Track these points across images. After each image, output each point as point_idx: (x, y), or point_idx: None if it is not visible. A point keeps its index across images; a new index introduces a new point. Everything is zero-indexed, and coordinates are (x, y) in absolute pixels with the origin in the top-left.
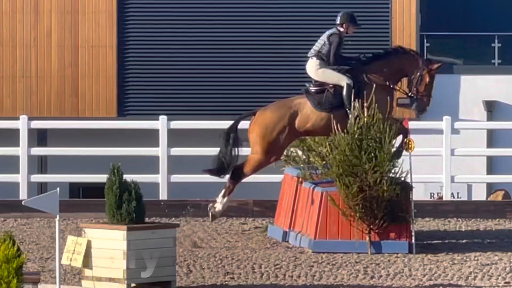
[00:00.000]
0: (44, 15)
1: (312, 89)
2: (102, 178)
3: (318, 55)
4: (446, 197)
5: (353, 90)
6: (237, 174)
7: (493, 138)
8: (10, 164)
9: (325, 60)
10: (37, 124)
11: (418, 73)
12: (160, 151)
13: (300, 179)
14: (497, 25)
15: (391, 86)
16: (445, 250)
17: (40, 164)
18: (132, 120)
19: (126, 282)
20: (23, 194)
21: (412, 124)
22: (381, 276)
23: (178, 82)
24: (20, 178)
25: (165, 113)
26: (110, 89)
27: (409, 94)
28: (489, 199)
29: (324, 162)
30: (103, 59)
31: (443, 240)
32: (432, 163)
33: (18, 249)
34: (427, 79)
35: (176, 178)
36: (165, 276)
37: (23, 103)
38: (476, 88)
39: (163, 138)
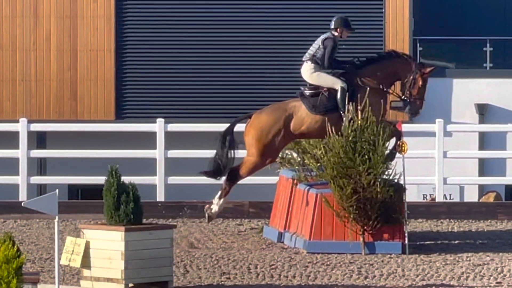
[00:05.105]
0: (44, 19)
1: (307, 92)
2: (100, 180)
3: (313, 59)
4: (439, 198)
5: (347, 93)
6: (233, 176)
7: (484, 141)
8: (10, 166)
9: (319, 64)
10: (36, 127)
11: (411, 77)
12: (157, 153)
13: (295, 181)
14: (489, 29)
15: (385, 90)
16: (437, 251)
17: (40, 166)
18: (130, 123)
19: (124, 282)
20: (22, 196)
21: (405, 127)
22: (374, 276)
23: (175, 86)
24: (20, 180)
25: (163, 116)
26: (108, 93)
27: (402, 97)
28: (481, 200)
29: (318, 164)
30: (102, 63)
31: (435, 241)
32: (425, 165)
33: (18, 249)
34: (420, 83)
35: (173, 180)
36: (162, 277)
37: (22, 106)
38: (468, 91)
39: (160, 140)
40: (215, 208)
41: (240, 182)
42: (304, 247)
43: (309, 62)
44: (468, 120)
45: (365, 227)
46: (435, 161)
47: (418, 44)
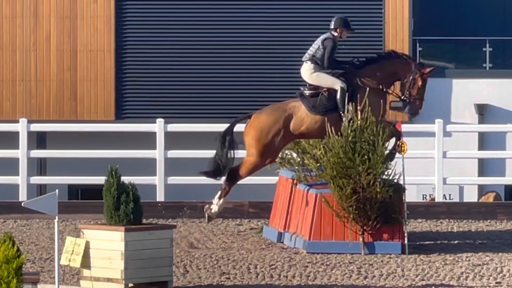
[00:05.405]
0: (44, 19)
1: (307, 92)
2: (100, 180)
3: (313, 59)
4: (438, 198)
5: (346, 93)
6: (233, 176)
7: (484, 141)
8: (10, 166)
9: (319, 64)
10: (36, 127)
11: (411, 77)
12: (157, 153)
13: (294, 181)
14: (488, 29)
15: (384, 90)
16: (437, 251)
17: (40, 166)
18: (130, 123)
19: (123, 282)
20: (22, 196)
21: (404, 127)
22: (374, 276)
23: (175, 86)
24: (20, 180)
25: (162, 116)
26: (108, 93)
27: (402, 97)
28: (480, 200)
29: (318, 164)
30: (101, 63)
31: (435, 241)
32: (425, 165)
33: (18, 249)
34: (420, 83)
35: (173, 180)
36: (162, 277)
37: (22, 106)
38: (467, 91)
39: (160, 140)
40: (215, 208)
41: (240, 182)
42: (303, 247)
43: (309, 62)
44: (467, 120)
45: (365, 227)
46: (434, 161)
47: (417, 44)
